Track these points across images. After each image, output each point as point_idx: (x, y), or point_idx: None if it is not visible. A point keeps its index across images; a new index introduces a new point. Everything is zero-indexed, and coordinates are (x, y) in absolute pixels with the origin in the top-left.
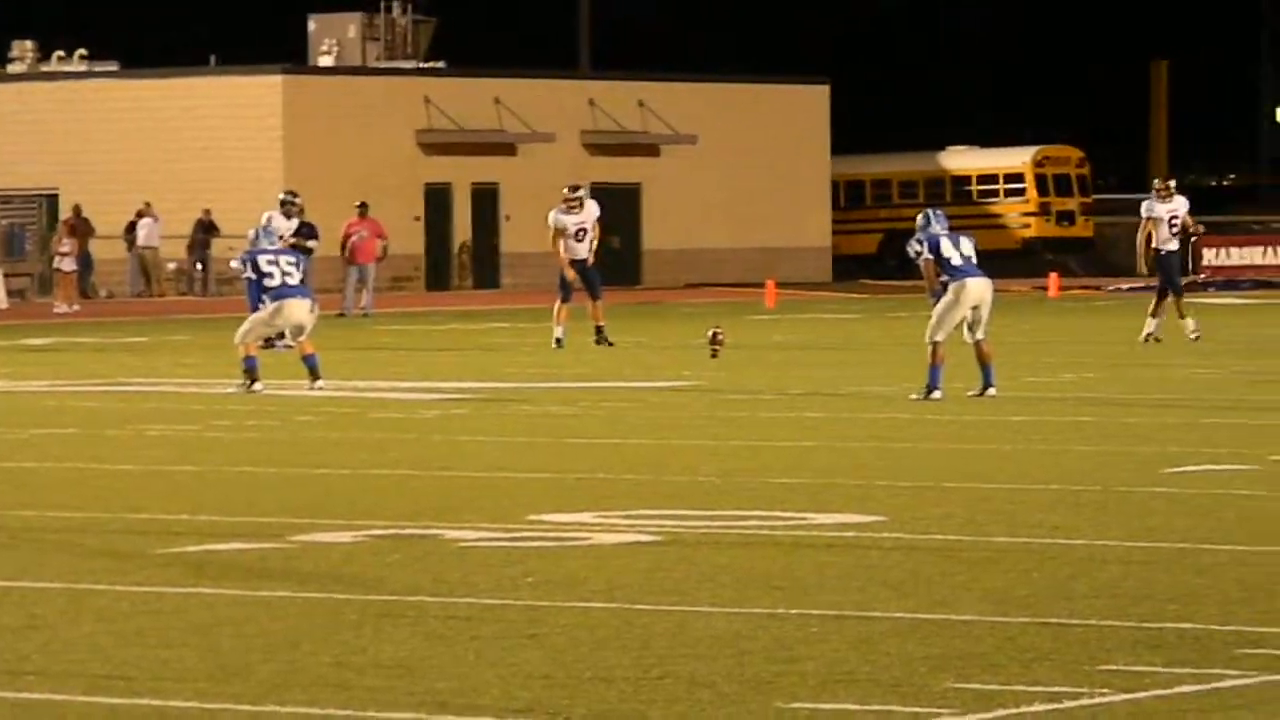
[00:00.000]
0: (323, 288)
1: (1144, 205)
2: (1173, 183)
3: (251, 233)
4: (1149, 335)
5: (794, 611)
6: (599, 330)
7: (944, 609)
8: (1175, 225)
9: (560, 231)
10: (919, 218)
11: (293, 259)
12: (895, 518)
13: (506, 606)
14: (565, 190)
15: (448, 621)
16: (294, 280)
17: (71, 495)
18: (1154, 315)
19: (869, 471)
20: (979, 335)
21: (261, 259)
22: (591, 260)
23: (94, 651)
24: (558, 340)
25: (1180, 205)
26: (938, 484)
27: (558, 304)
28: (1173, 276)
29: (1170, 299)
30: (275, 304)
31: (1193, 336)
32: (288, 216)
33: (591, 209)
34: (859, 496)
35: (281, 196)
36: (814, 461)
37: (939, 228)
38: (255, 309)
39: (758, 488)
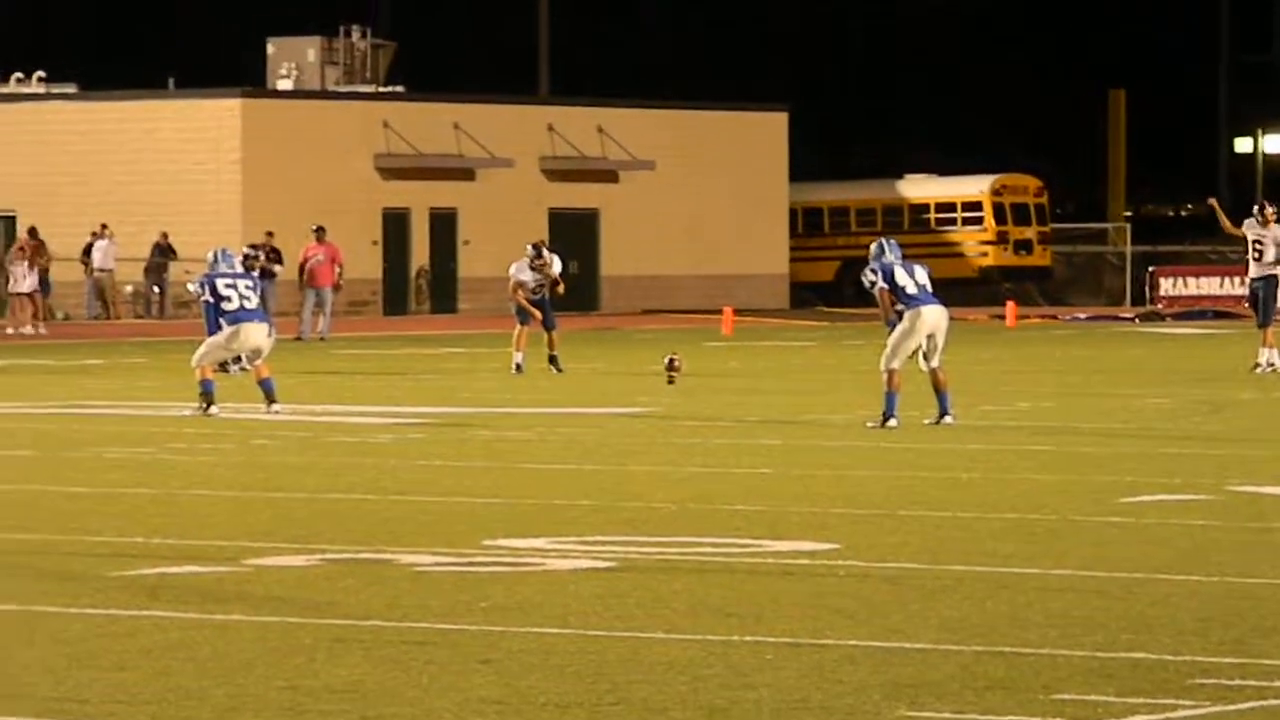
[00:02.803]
0: (280, 311)
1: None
2: (1270, 209)
3: (210, 256)
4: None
5: (748, 639)
6: (552, 358)
7: (898, 637)
8: (1259, 250)
9: (519, 284)
10: (872, 247)
11: (250, 283)
12: (850, 545)
13: (460, 632)
14: (529, 249)
15: (401, 646)
16: (252, 304)
17: (26, 517)
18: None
19: (824, 499)
20: (935, 363)
21: (220, 282)
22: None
23: (47, 674)
24: (517, 365)
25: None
26: (893, 512)
27: (517, 329)
28: (1257, 305)
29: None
30: (233, 327)
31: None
32: (540, 272)
33: (554, 266)
34: (814, 524)
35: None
36: (769, 489)
37: (892, 256)
38: (213, 332)
39: (713, 515)
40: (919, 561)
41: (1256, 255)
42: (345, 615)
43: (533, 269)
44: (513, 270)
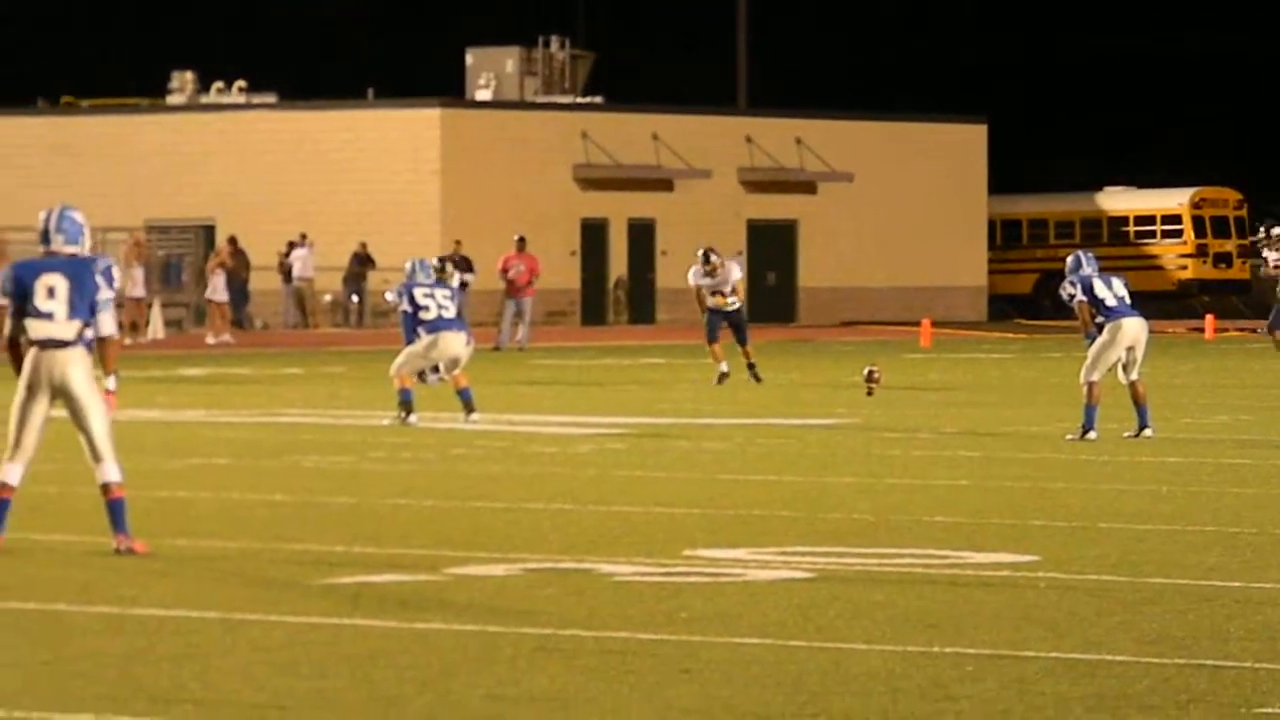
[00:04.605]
0: (477, 321)
1: None
2: None
3: (408, 265)
4: None
5: (948, 650)
6: (751, 366)
7: (1099, 649)
8: None
9: (700, 288)
10: (1069, 260)
11: (448, 292)
12: (1050, 557)
13: (661, 641)
14: (699, 255)
15: (602, 655)
16: (450, 313)
17: (227, 525)
18: None
19: (1024, 511)
20: (1134, 376)
21: (418, 292)
22: (737, 305)
23: (249, 681)
24: (722, 374)
25: None
26: (1093, 524)
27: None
28: None
29: None
30: (431, 337)
31: None
32: (713, 277)
33: (731, 273)
34: (1014, 536)
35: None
36: (969, 500)
37: (1090, 269)
38: (410, 341)
39: (912, 526)
40: (1119, 574)
41: None
42: (545, 624)
43: (706, 274)
44: (690, 279)
